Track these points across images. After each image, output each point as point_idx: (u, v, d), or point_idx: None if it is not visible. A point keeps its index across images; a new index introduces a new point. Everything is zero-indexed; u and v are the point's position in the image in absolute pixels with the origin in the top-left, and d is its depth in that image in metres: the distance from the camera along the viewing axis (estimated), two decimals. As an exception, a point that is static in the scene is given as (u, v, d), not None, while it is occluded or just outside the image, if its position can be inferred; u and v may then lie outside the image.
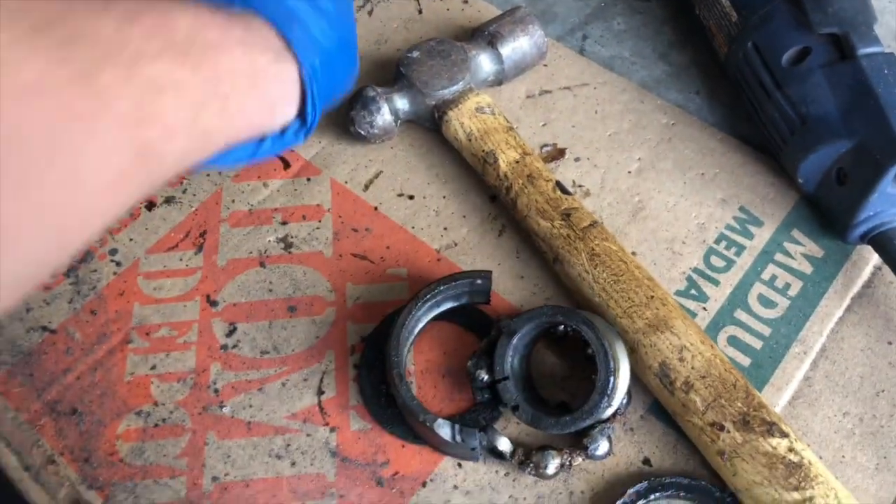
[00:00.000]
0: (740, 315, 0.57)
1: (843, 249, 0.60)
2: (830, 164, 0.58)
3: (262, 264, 0.60)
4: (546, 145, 0.66)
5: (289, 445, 0.53)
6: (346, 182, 0.64)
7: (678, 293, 0.58)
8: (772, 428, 0.48)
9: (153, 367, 0.56)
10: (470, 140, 0.62)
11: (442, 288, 0.54)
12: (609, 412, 0.51)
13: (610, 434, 0.51)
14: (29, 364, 0.56)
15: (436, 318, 0.57)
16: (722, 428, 0.49)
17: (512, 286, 0.59)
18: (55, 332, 0.57)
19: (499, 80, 0.67)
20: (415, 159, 0.65)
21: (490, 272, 0.55)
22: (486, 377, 0.52)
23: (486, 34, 0.66)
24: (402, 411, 0.52)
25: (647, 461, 0.52)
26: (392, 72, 0.66)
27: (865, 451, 0.52)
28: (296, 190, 0.63)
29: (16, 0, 0.31)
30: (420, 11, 0.74)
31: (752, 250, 0.60)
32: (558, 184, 0.59)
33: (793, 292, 0.58)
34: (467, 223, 0.62)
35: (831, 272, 0.59)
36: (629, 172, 0.64)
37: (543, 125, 0.67)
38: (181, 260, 0.60)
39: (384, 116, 0.63)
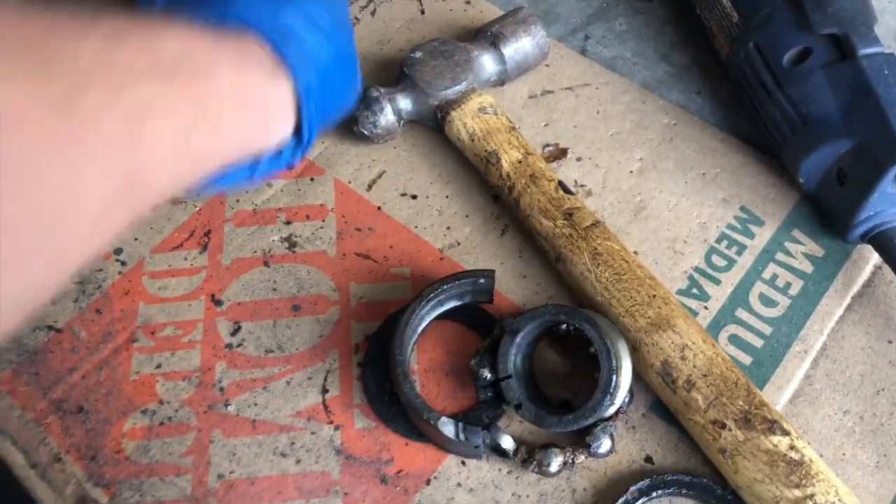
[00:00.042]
0: (741, 314, 0.57)
1: (844, 249, 0.60)
2: (831, 163, 0.58)
3: (266, 263, 0.60)
4: (548, 145, 0.66)
5: (293, 443, 0.53)
6: (349, 182, 0.64)
7: (680, 292, 0.58)
8: (773, 426, 0.49)
9: (158, 366, 0.56)
10: (473, 140, 0.62)
11: (445, 287, 0.55)
12: (611, 410, 0.51)
13: (612, 432, 0.52)
14: (35, 363, 0.56)
15: (439, 317, 0.57)
16: (723, 426, 0.49)
17: (514, 285, 0.59)
18: (61, 331, 0.57)
19: (501, 81, 0.68)
20: (418, 159, 0.66)
21: (493, 271, 0.56)
22: (489, 376, 0.53)
23: (488, 35, 0.66)
24: (406, 409, 0.53)
25: (649, 459, 0.52)
26: (395, 72, 0.66)
27: (866, 449, 0.52)
28: (299, 190, 0.64)
29: None
30: (422, 12, 0.75)
31: (753, 249, 0.60)
32: (560, 183, 0.59)
33: (793, 291, 0.58)
34: (470, 223, 0.62)
35: (832, 271, 0.59)
36: (631, 172, 0.64)
37: (545, 125, 0.67)
38: (186, 259, 0.61)
39: (387, 116, 0.63)
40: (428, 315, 0.56)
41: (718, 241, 0.61)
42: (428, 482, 0.52)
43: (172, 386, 0.55)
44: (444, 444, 0.52)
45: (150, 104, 0.34)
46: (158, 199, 0.37)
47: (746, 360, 0.56)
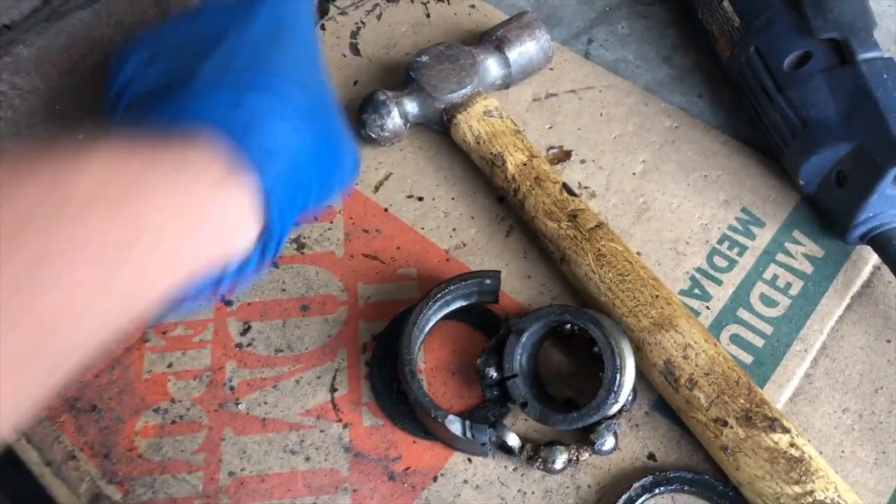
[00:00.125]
0: (742, 314, 0.58)
1: (843, 250, 0.61)
2: (831, 166, 0.59)
3: (275, 264, 0.61)
4: (552, 147, 0.67)
5: (303, 441, 0.54)
6: (356, 184, 0.65)
7: (682, 292, 0.59)
8: (773, 424, 0.50)
9: (170, 365, 0.57)
10: (478, 143, 0.63)
11: (452, 287, 0.56)
12: (615, 409, 0.52)
13: (616, 430, 0.52)
14: (49, 362, 0.57)
15: (446, 317, 0.58)
16: (725, 424, 0.50)
17: (520, 286, 0.60)
18: (74, 330, 0.58)
19: (506, 84, 0.69)
20: (424, 162, 0.67)
21: (499, 272, 0.57)
22: (495, 375, 0.54)
23: (493, 39, 0.67)
24: (414, 408, 0.54)
25: (651, 456, 0.53)
26: (401, 75, 0.67)
27: (865, 447, 0.53)
28: (308, 192, 0.65)
29: None
30: (428, 16, 0.76)
31: (754, 250, 0.61)
32: (565, 185, 0.60)
33: (794, 291, 0.59)
34: (475, 224, 0.63)
35: (831, 272, 0.60)
36: (634, 174, 0.65)
37: (550, 128, 0.68)
38: (196, 260, 0.62)
39: (394, 120, 0.64)
40: (435, 315, 0.57)
41: (720, 242, 0.62)
42: (435, 479, 0.53)
43: (184, 385, 0.56)
44: (450, 442, 0.53)
45: (54, 250, 0.31)
46: (89, 346, 0.34)
47: (748, 359, 0.56)
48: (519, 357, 0.53)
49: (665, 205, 0.64)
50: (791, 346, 0.57)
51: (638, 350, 0.54)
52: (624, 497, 0.51)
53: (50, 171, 0.32)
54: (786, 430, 0.49)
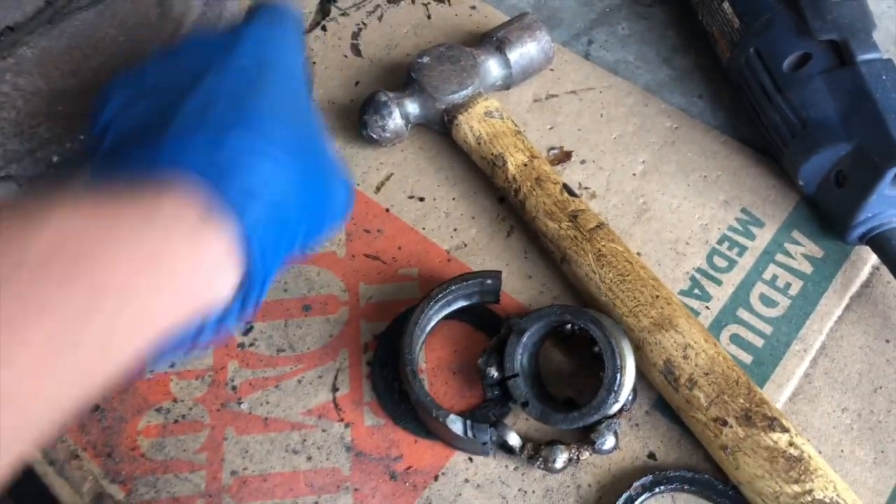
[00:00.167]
0: (742, 314, 0.59)
1: (843, 250, 0.61)
2: (830, 166, 0.60)
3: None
4: (553, 148, 0.67)
5: (305, 440, 0.54)
6: (358, 184, 0.66)
7: (682, 292, 0.60)
8: (773, 423, 0.50)
9: (172, 365, 0.57)
10: (479, 143, 0.63)
11: (453, 287, 0.56)
12: (615, 408, 0.52)
13: (616, 429, 0.53)
14: (52, 362, 0.57)
15: (447, 317, 0.58)
16: (725, 423, 0.50)
17: (520, 286, 0.60)
18: (77, 330, 0.58)
19: (507, 85, 0.69)
20: (425, 162, 0.67)
21: (500, 272, 0.57)
22: (496, 374, 0.54)
23: (494, 40, 0.68)
24: (415, 407, 0.54)
25: (652, 455, 0.54)
26: (402, 76, 0.68)
27: (863, 446, 0.54)
28: (309, 192, 0.65)
29: None
30: (429, 17, 0.76)
31: (754, 251, 0.61)
32: (565, 186, 0.61)
33: (793, 291, 0.59)
34: (476, 224, 0.64)
35: (831, 272, 0.60)
36: (634, 175, 0.66)
37: (550, 128, 0.68)
38: (198, 260, 0.62)
39: (395, 120, 0.64)
40: (436, 315, 0.57)
41: (720, 242, 0.62)
42: (436, 478, 0.53)
43: (186, 384, 0.56)
44: (452, 441, 0.53)
45: (6, 319, 0.29)
46: (49, 417, 0.32)
47: (747, 358, 0.57)
48: (520, 357, 0.54)
49: (665, 205, 0.64)
50: (790, 345, 0.57)
51: (638, 350, 0.54)
52: (624, 496, 0.51)
53: (3, 232, 0.31)
54: (785, 430, 0.50)
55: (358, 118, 0.65)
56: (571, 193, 0.60)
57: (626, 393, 0.52)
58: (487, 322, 0.58)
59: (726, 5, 0.67)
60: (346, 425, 0.55)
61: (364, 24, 0.75)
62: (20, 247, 0.31)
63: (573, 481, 0.53)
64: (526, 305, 0.59)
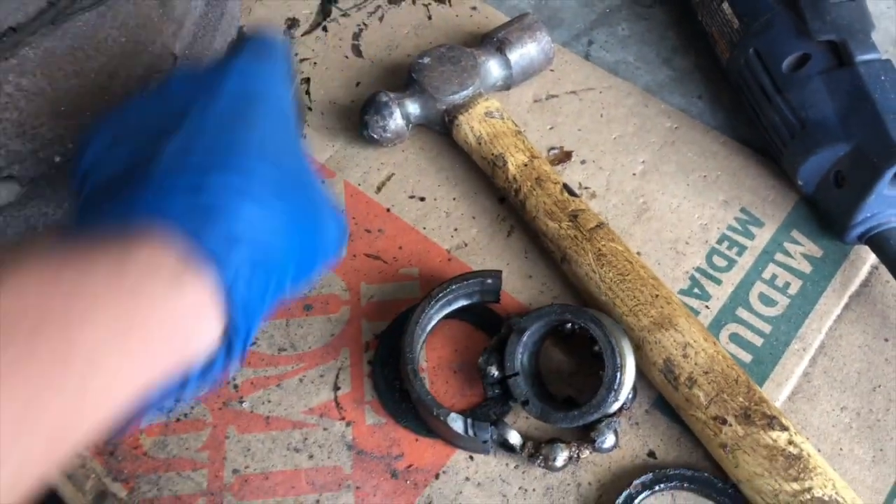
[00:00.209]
0: (742, 313, 0.59)
1: (842, 249, 0.62)
2: (829, 166, 0.60)
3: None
4: (553, 148, 0.68)
5: (306, 439, 0.55)
6: (359, 184, 0.66)
7: (682, 292, 0.60)
8: (772, 421, 0.50)
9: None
10: (480, 143, 0.64)
11: (454, 287, 0.56)
12: (615, 407, 0.53)
13: (616, 428, 0.53)
14: (55, 361, 0.57)
15: (447, 317, 0.58)
16: (724, 422, 0.51)
17: (521, 285, 0.61)
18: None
19: (507, 85, 0.69)
20: (425, 162, 0.67)
21: (500, 272, 0.57)
22: (496, 373, 0.54)
23: (494, 40, 0.68)
24: (416, 406, 0.54)
25: (651, 454, 0.54)
26: (403, 77, 0.68)
27: (862, 444, 0.54)
28: (310, 192, 0.65)
29: None
30: (429, 18, 0.76)
31: (753, 250, 0.62)
32: (565, 186, 0.61)
33: (792, 291, 0.60)
34: (477, 224, 0.64)
35: (830, 271, 0.61)
36: (634, 175, 0.66)
37: (550, 129, 0.69)
38: (200, 260, 0.62)
39: (396, 121, 0.65)
40: (437, 314, 0.58)
41: (719, 241, 0.62)
42: (437, 476, 0.53)
43: (188, 383, 0.57)
44: (452, 440, 0.54)
45: None
46: (20, 477, 0.30)
47: (747, 357, 0.57)
48: (520, 356, 0.54)
49: (665, 205, 0.64)
50: (790, 344, 0.57)
51: (638, 349, 0.54)
52: (624, 494, 0.51)
53: None
54: (784, 428, 0.50)
55: (359, 118, 0.65)
56: (571, 193, 0.61)
57: (626, 392, 0.53)
58: (488, 321, 0.59)
59: (726, 6, 0.67)
60: (348, 424, 0.55)
61: (365, 24, 0.76)
62: None
63: (573, 479, 0.53)
64: (526, 305, 0.60)
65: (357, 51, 0.74)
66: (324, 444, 0.54)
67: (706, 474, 0.52)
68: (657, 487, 0.52)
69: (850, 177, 0.59)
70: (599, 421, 0.53)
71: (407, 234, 0.63)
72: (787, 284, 0.60)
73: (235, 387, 0.56)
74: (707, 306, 0.59)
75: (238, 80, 0.44)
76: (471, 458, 0.54)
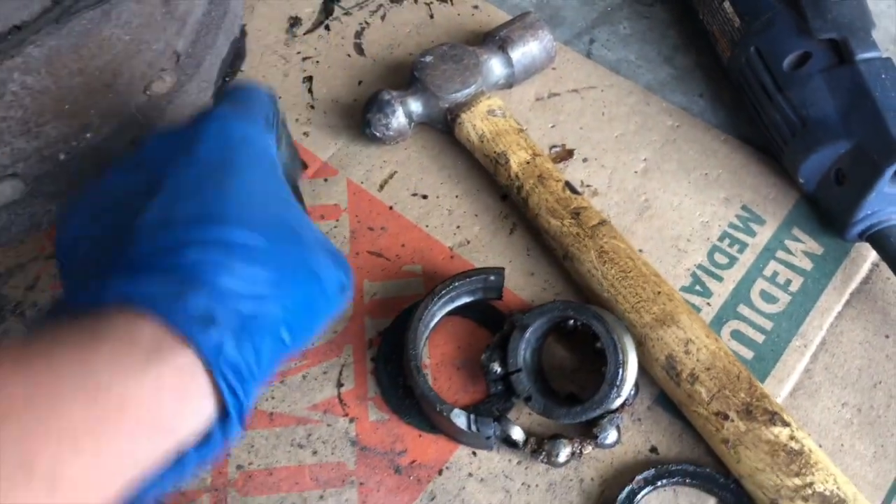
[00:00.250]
0: (743, 310, 0.59)
1: (843, 247, 0.62)
2: (830, 164, 0.60)
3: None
4: (555, 146, 0.68)
5: (310, 435, 0.55)
6: (361, 182, 0.66)
7: (683, 289, 0.60)
8: (774, 417, 0.50)
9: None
10: (482, 141, 0.64)
11: (457, 284, 0.56)
12: (618, 403, 0.53)
13: (618, 424, 0.53)
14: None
15: (450, 314, 0.59)
16: (726, 417, 0.51)
17: (523, 282, 0.61)
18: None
19: (509, 84, 0.70)
20: (428, 160, 0.67)
21: (503, 269, 0.57)
22: (499, 369, 0.55)
23: (496, 39, 0.68)
24: (420, 402, 0.54)
25: (654, 449, 0.54)
26: (405, 75, 0.68)
27: (863, 440, 0.54)
28: (314, 190, 0.66)
29: None
30: (431, 16, 0.76)
31: (755, 247, 0.62)
32: (567, 184, 0.61)
33: (794, 288, 0.60)
34: (479, 221, 0.64)
35: (831, 269, 0.61)
36: (635, 172, 0.66)
37: (552, 127, 0.69)
38: (204, 257, 0.62)
39: (399, 119, 0.65)
40: (440, 311, 0.58)
41: (721, 239, 0.62)
42: (440, 472, 0.53)
43: (192, 380, 0.57)
44: (456, 436, 0.54)
45: None
46: None
47: (748, 354, 0.57)
48: (523, 352, 0.54)
49: (666, 203, 0.65)
50: (791, 341, 0.58)
51: (640, 345, 0.54)
52: (627, 490, 0.52)
53: None
54: (786, 424, 0.50)
55: (362, 117, 0.66)
56: (574, 191, 0.61)
57: (628, 388, 0.53)
58: (490, 318, 0.59)
59: (727, 4, 0.68)
60: (351, 420, 0.55)
61: (367, 23, 0.76)
62: None
63: (576, 475, 0.53)
64: (528, 302, 0.60)
65: (359, 49, 0.74)
66: (327, 440, 0.55)
67: (708, 470, 0.52)
68: (659, 483, 0.52)
69: (850, 174, 0.59)
70: (602, 417, 0.53)
71: (409, 231, 0.63)
72: (789, 281, 0.60)
73: (239, 383, 0.57)
74: (708, 303, 0.60)
75: (215, 133, 0.43)
76: (474, 453, 0.54)
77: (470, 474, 0.53)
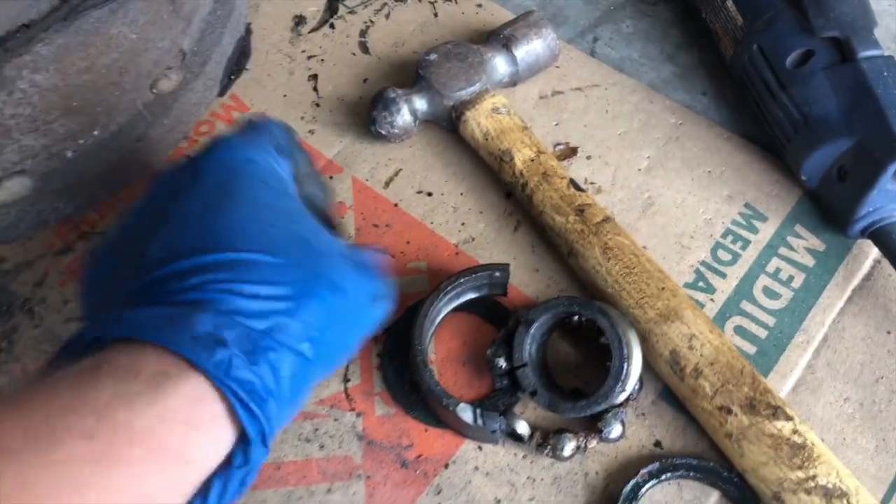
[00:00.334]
0: (746, 306, 0.60)
1: (845, 243, 0.62)
2: (832, 161, 0.61)
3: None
4: (559, 144, 0.68)
5: (317, 430, 0.55)
6: (367, 180, 0.67)
7: (687, 285, 0.61)
8: (777, 411, 0.51)
9: None
10: (486, 139, 0.64)
11: (462, 280, 0.57)
12: (622, 397, 0.53)
13: (623, 418, 0.54)
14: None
15: (456, 310, 0.59)
16: (729, 412, 0.51)
17: (528, 279, 0.61)
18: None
19: (513, 82, 0.70)
20: (432, 158, 0.68)
21: (508, 265, 0.58)
22: (504, 364, 0.55)
23: (500, 37, 0.69)
24: (426, 396, 0.55)
25: (658, 444, 0.55)
26: (410, 73, 0.69)
27: (865, 434, 0.55)
28: (319, 187, 0.66)
29: None
30: (436, 15, 0.77)
31: (757, 244, 0.62)
32: (572, 181, 0.62)
33: (796, 284, 0.60)
34: (484, 219, 0.65)
35: (833, 265, 0.61)
36: (639, 170, 0.67)
37: (556, 125, 0.69)
38: (211, 254, 0.63)
39: (404, 117, 0.65)
40: (445, 307, 0.58)
41: (724, 236, 0.63)
42: (446, 466, 0.54)
43: (200, 375, 0.57)
44: (461, 430, 0.54)
45: None
46: None
47: (751, 349, 0.58)
48: (528, 347, 0.55)
49: (670, 200, 0.65)
50: (793, 337, 0.58)
51: (644, 340, 0.55)
52: (631, 483, 0.52)
53: None
54: (789, 418, 0.51)
55: (367, 114, 0.66)
56: (578, 188, 0.61)
57: (632, 382, 0.53)
58: (496, 314, 0.59)
59: (730, 3, 0.68)
60: (358, 415, 0.56)
61: (372, 21, 0.76)
62: None
63: (581, 469, 0.54)
64: (533, 298, 0.60)
65: (364, 48, 0.75)
66: (334, 434, 0.55)
67: (712, 463, 0.53)
68: (664, 476, 0.52)
69: (852, 172, 0.59)
70: (606, 411, 0.53)
71: (415, 228, 0.64)
72: (791, 278, 0.61)
73: (246, 379, 0.57)
74: (712, 299, 0.60)
75: (218, 159, 0.43)
76: (479, 448, 0.55)
77: (476, 468, 0.54)
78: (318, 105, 0.71)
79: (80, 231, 0.64)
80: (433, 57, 0.67)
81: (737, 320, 0.59)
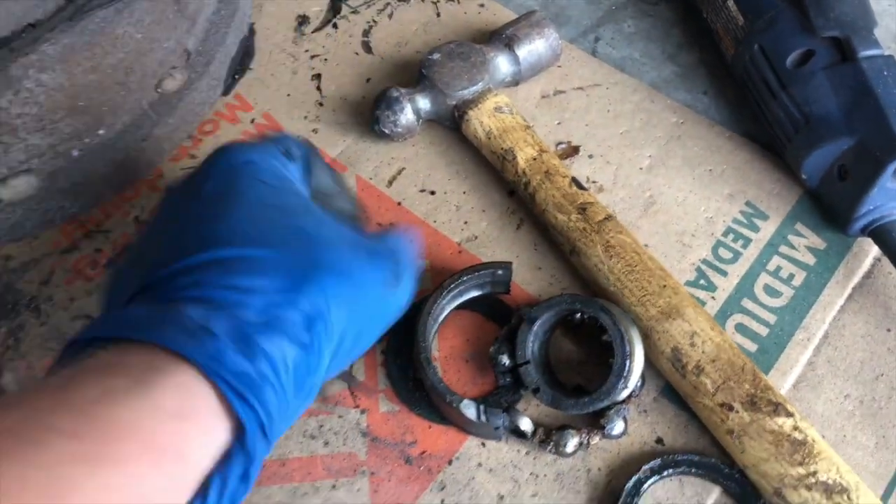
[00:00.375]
0: (747, 304, 0.60)
1: (845, 242, 0.63)
2: (832, 160, 0.61)
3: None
4: (561, 143, 0.69)
5: (322, 426, 0.56)
6: (370, 178, 0.67)
7: (688, 283, 0.61)
8: (777, 408, 0.51)
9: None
10: (489, 138, 0.65)
11: (465, 278, 0.57)
12: (625, 394, 0.54)
13: (625, 415, 0.54)
14: (74, 350, 0.58)
15: (459, 307, 0.60)
16: (731, 408, 0.52)
17: (530, 277, 0.62)
18: (98, 320, 0.60)
19: (515, 81, 0.71)
20: (435, 157, 0.68)
21: (510, 263, 0.58)
22: (507, 362, 0.55)
23: (503, 37, 0.69)
24: (430, 393, 0.55)
25: (660, 440, 0.55)
26: (413, 73, 0.69)
27: (865, 431, 0.55)
28: (323, 186, 0.66)
29: None
30: (438, 15, 0.77)
31: (758, 242, 0.63)
32: (574, 180, 0.62)
33: (797, 282, 0.61)
34: (487, 217, 0.65)
35: (833, 263, 0.62)
36: (641, 169, 0.67)
37: (558, 124, 0.70)
38: (215, 252, 0.63)
39: (407, 116, 0.66)
40: (448, 305, 0.59)
41: (725, 234, 0.63)
42: (450, 462, 0.54)
43: (205, 372, 0.58)
44: (465, 426, 0.55)
45: None
46: None
47: (752, 347, 0.58)
48: (531, 344, 0.55)
49: (671, 198, 0.65)
50: (794, 334, 0.59)
51: (646, 338, 0.55)
52: (633, 479, 0.53)
53: None
54: (789, 415, 0.51)
55: (370, 114, 0.66)
56: (580, 187, 0.62)
57: (634, 379, 0.54)
58: (498, 312, 0.60)
59: (731, 3, 0.69)
60: (362, 412, 0.56)
61: (375, 21, 0.77)
62: None
63: (584, 465, 0.54)
64: (536, 296, 0.61)
65: (367, 47, 0.75)
66: (339, 431, 0.56)
67: (713, 460, 0.53)
68: (665, 473, 0.53)
69: (853, 170, 0.60)
70: (609, 408, 0.54)
71: (418, 227, 0.64)
72: (792, 276, 0.61)
73: (251, 376, 0.58)
74: (713, 297, 0.61)
75: (219, 164, 0.43)
76: (483, 444, 0.55)
77: (479, 464, 0.54)
78: (321, 104, 0.71)
79: (86, 230, 0.64)
80: (436, 56, 0.67)
81: (738, 318, 0.60)
